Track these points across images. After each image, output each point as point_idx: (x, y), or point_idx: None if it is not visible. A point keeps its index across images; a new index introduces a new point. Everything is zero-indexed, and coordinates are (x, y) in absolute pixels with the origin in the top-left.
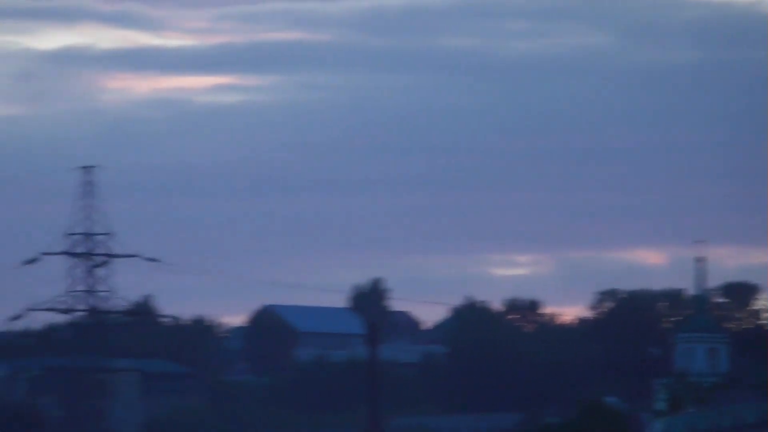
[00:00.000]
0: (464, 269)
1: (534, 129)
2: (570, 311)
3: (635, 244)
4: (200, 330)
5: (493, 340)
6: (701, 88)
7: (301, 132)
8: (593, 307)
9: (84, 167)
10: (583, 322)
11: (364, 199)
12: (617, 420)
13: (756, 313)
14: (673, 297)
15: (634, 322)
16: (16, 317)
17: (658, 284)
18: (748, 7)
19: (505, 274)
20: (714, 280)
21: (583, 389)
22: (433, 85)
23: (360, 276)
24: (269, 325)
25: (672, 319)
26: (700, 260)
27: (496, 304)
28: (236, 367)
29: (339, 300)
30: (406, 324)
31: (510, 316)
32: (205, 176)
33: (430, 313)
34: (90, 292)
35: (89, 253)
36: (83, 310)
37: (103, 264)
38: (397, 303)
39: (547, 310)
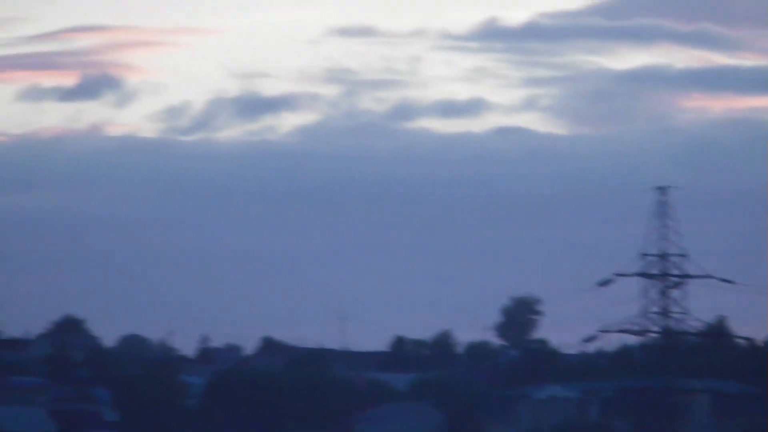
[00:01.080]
0: None
1: None
2: None
3: None
4: None
5: None
6: None
7: None
8: None
9: (659, 187)
10: None
11: None
12: None
13: None
14: None
15: None
16: (590, 339)
17: None
18: None
19: None
20: None
21: None
22: None
23: None
24: None
25: None
26: None
27: None
28: None
29: None
30: None
31: None
32: None
33: None
34: (664, 313)
35: (664, 274)
36: (657, 332)
37: (677, 285)
38: None
39: None
